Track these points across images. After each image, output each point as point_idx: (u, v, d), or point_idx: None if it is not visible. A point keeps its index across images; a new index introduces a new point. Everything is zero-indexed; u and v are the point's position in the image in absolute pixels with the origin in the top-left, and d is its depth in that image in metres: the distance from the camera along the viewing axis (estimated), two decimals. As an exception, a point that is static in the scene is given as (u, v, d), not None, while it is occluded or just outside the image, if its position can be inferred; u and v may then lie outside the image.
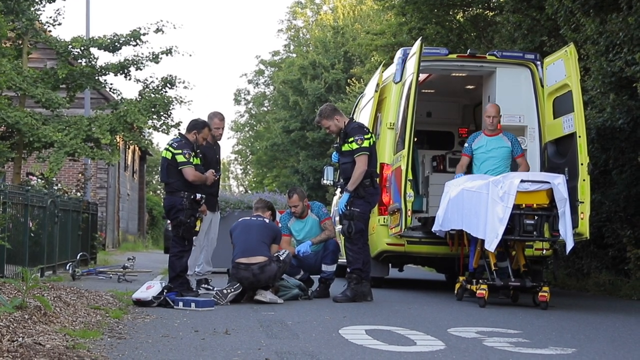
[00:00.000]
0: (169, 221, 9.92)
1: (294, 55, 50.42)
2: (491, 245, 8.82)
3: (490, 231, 8.83)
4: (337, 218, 10.96)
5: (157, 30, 15.82)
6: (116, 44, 15.62)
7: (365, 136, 9.51)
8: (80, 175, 21.75)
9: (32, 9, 15.09)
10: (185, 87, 16.08)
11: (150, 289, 8.74)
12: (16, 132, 14.49)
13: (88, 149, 14.68)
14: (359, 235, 9.44)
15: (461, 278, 9.87)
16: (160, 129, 15.74)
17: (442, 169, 13.58)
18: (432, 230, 10.24)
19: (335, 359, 5.30)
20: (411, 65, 10.58)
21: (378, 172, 10.19)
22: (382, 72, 12.01)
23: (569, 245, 8.91)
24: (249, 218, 9.57)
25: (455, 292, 9.99)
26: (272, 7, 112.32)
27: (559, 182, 8.93)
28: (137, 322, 7.22)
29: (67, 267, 13.00)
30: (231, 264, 9.21)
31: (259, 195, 17.68)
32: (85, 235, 16.16)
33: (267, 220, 9.54)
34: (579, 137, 9.37)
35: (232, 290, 8.97)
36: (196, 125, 9.65)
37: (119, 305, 8.52)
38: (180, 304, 8.48)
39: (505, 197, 8.80)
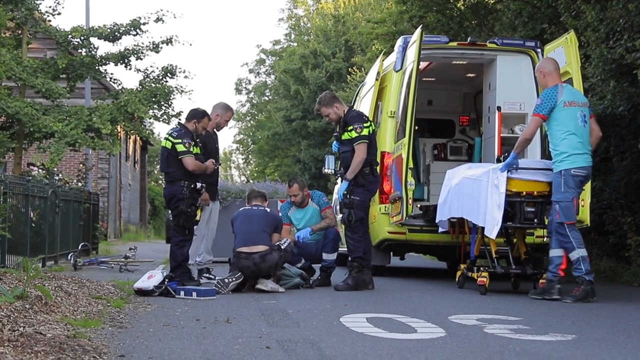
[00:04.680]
0: (170, 211, 9.95)
1: (295, 44, 50.40)
2: (492, 233, 8.82)
3: (490, 218, 8.84)
4: (338, 207, 10.97)
5: (157, 20, 15.80)
6: (116, 33, 15.59)
7: (365, 124, 9.50)
8: (81, 165, 21.76)
9: (32, -2, 15.06)
10: (186, 77, 16.07)
11: (151, 279, 8.76)
12: (16, 122, 14.48)
13: (89, 139, 14.67)
14: (359, 223, 9.45)
15: (462, 266, 9.89)
16: (161, 119, 15.73)
17: (443, 157, 13.61)
18: (436, 222, 10.22)
19: (336, 347, 5.31)
20: (412, 53, 10.57)
21: (379, 160, 10.19)
22: (383, 60, 12.00)
23: None
24: (249, 207, 9.58)
25: (457, 279, 10.00)
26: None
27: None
28: (138, 311, 7.23)
29: (69, 257, 13.03)
30: (232, 253, 9.23)
31: (260, 184, 17.70)
32: (87, 226, 16.19)
33: (268, 210, 9.55)
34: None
35: (234, 279, 8.99)
36: (196, 114, 9.63)
37: (120, 294, 8.54)
38: (182, 293, 8.50)
39: (499, 183, 8.83)
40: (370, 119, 10.24)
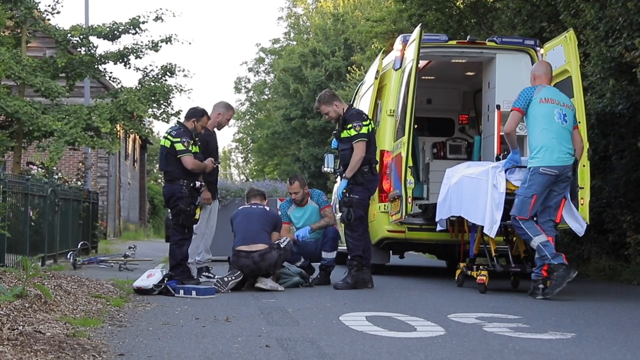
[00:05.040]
0: (169, 210, 9.96)
1: (294, 43, 50.36)
2: (491, 231, 8.83)
3: (489, 217, 8.85)
4: (337, 205, 10.97)
5: (157, 19, 15.80)
6: (115, 32, 15.59)
7: (364, 122, 9.50)
8: (80, 164, 21.76)
9: (31, -3, 15.05)
10: (185, 76, 16.07)
11: (151, 277, 8.76)
12: (16, 121, 14.48)
13: (88, 138, 14.67)
14: (358, 222, 9.44)
15: (462, 264, 9.89)
16: (160, 118, 15.74)
17: (443, 155, 13.61)
18: (436, 220, 10.21)
19: (336, 346, 5.31)
20: (411, 52, 10.56)
21: (378, 159, 10.18)
22: (382, 59, 11.99)
23: (582, 227, 8.96)
24: (249, 206, 9.58)
25: (456, 278, 10.00)
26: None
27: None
28: (137, 310, 7.23)
29: (68, 256, 13.04)
30: (232, 252, 9.22)
31: (259, 183, 17.71)
32: (86, 224, 16.19)
33: (267, 208, 9.55)
34: (579, 122, 9.36)
35: (233, 278, 8.98)
36: (195, 113, 9.62)
37: (119, 293, 8.54)
38: (181, 292, 8.50)
39: (498, 183, 8.84)
40: (370, 117, 10.23)
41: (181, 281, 9.08)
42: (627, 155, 12.36)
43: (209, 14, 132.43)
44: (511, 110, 8.85)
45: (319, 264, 10.27)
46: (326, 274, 10.18)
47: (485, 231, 8.98)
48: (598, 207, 12.60)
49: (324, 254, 10.14)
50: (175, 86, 15.69)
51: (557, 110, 8.65)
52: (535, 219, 8.70)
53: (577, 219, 9.00)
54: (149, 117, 16.16)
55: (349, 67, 37.34)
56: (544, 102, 8.67)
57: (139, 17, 15.67)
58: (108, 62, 15.87)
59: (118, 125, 15.64)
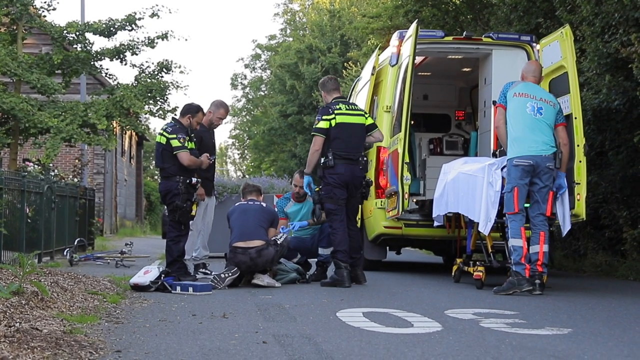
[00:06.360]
0: (166, 206, 9.96)
1: (291, 39, 50.30)
2: (485, 229, 8.84)
3: (484, 215, 8.86)
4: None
5: (153, 15, 15.74)
6: (111, 28, 15.53)
7: (324, 117, 9.34)
8: (77, 161, 21.73)
9: (27, -7, 15.00)
10: (181, 72, 16.01)
11: (147, 274, 8.76)
12: (12, 118, 14.44)
13: (84, 135, 14.63)
14: (331, 215, 9.37)
15: (458, 260, 9.90)
16: (156, 114, 15.69)
17: (439, 151, 13.62)
18: (433, 216, 10.21)
19: (333, 342, 5.31)
20: (407, 48, 10.56)
21: (375, 155, 10.13)
22: (379, 55, 11.99)
23: (566, 227, 8.94)
24: (245, 202, 9.58)
25: (453, 274, 10.01)
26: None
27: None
28: (134, 306, 7.23)
29: (65, 253, 13.02)
30: (229, 248, 9.23)
31: (256, 179, 17.70)
32: (83, 221, 16.17)
33: (264, 204, 9.55)
34: (575, 118, 9.37)
35: (230, 274, 8.98)
36: (190, 109, 9.62)
37: (116, 290, 8.54)
38: (178, 288, 8.50)
39: (494, 181, 8.85)
40: (336, 110, 9.89)
41: (178, 278, 9.09)
42: (623, 151, 12.37)
43: (205, 11, 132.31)
44: (496, 107, 8.98)
45: (316, 260, 10.28)
46: (323, 270, 10.18)
47: (479, 229, 9.01)
48: (594, 203, 12.62)
49: (321, 250, 10.14)
50: (171, 83, 15.64)
51: (530, 103, 8.71)
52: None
53: (564, 219, 8.97)
54: (146, 114, 16.11)
55: (345, 64, 37.27)
56: (517, 96, 8.77)
57: (135, 13, 15.61)
58: (104, 59, 15.80)
59: (114, 121, 15.60)
